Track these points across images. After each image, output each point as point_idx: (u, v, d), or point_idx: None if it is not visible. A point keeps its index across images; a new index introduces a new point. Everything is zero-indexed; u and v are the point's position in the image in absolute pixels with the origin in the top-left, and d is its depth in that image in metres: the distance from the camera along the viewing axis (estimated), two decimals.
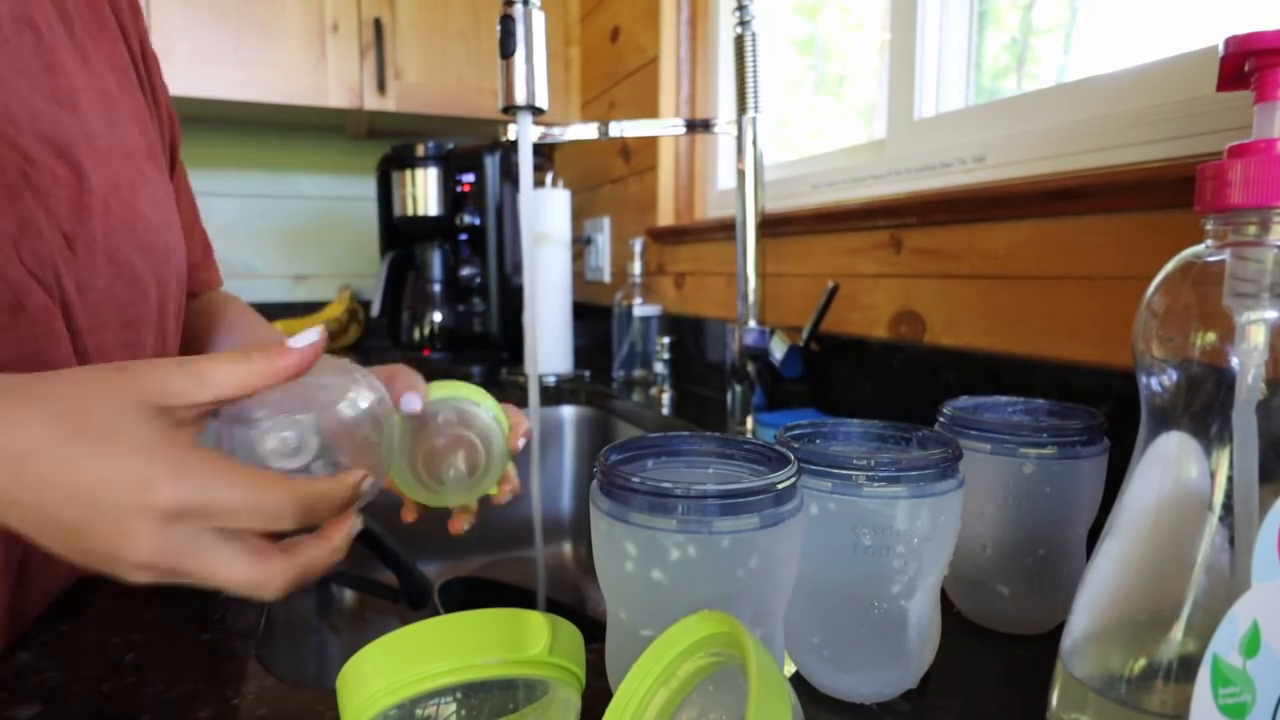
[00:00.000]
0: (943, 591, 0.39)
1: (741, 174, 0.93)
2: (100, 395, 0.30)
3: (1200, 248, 0.28)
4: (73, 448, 0.29)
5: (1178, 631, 0.26)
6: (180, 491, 0.29)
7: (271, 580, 0.31)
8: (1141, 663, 0.28)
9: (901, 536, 0.33)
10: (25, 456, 0.29)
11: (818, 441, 0.40)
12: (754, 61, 0.91)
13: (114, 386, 0.31)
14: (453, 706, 0.30)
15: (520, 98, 0.77)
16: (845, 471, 0.34)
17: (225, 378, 0.32)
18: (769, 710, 0.23)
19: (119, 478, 0.29)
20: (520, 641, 0.28)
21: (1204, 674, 0.24)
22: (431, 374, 0.59)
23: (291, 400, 0.34)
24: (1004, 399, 0.47)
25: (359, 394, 0.36)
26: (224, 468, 0.30)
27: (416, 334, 1.60)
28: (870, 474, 0.33)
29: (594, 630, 0.36)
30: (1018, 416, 0.46)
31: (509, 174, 1.47)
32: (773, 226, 0.99)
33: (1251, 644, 0.24)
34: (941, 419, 0.45)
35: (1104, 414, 0.43)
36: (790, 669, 0.38)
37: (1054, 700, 0.31)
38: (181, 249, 0.59)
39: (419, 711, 0.29)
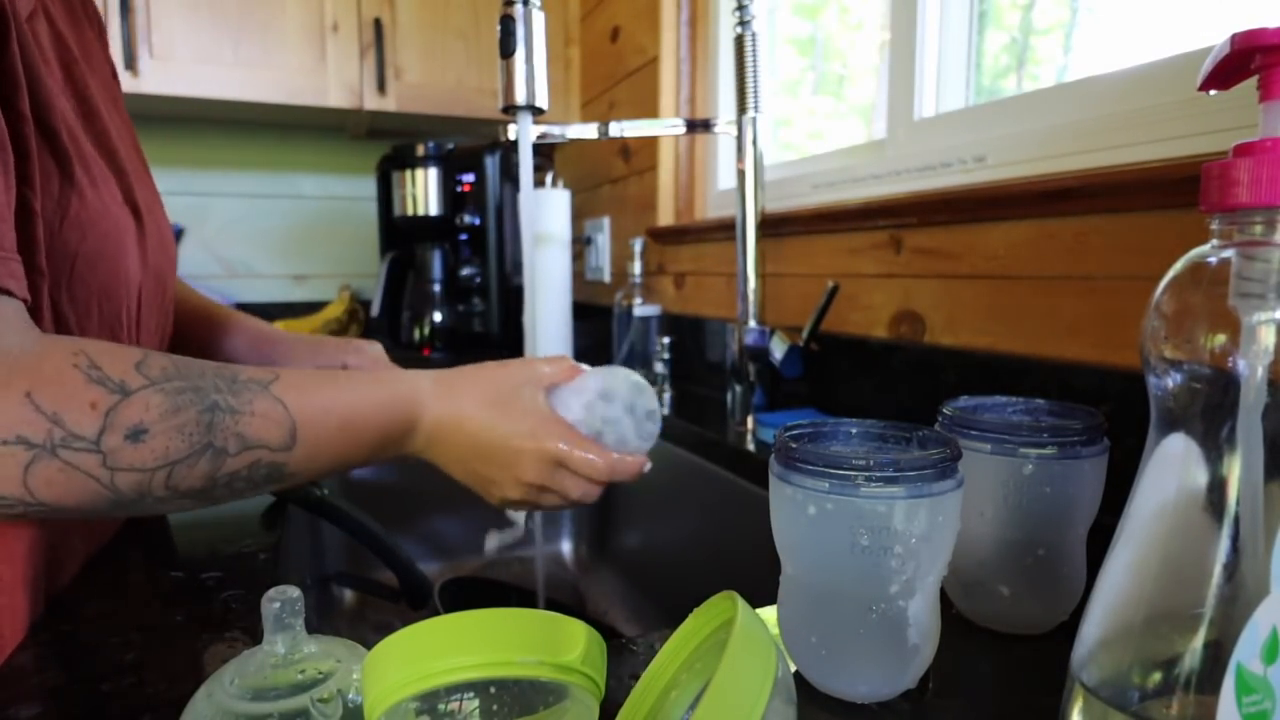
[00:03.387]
0: (943, 591, 0.39)
1: (741, 174, 0.93)
2: (504, 378, 0.52)
3: (1205, 248, 0.28)
4: (492, 413, 0.50)
5: (1197, 640, 0.26)
6: (561, 443, 0.50)
7: (591, 495, 0.52)
8: (1158, 674, 0.27)
9: (899, 537, 0.33)
10: (465, 418, 0.50)
11: (818, 441, 0.40)
12: (754, 61, 0.91)
13: (509, 374, 0.53)
14: (475, 703, 0.30)
15: (520, 98, 0.78)
16: (843, 471, 0.33)
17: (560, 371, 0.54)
18: (744, 667, 0.23)
19: (521, 430, 0.50)
20: (555, 645, 0.28)
21: (1228, 683, 0.24)
22: None
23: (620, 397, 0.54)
24: (1004, 399, 0.47)
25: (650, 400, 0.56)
26: (581, 439, 0.52)
27: (416, 334, 1.60)
28: (868, 474, 0.33)
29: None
30: (1018, 416, 0.46)
31: (509, 174, 1.47)
32: (773, 226, 0.99)
33: (1271, 650, 0.23)
34: (941, 419, 0.45)
35: (1104, 414, 0.43)
36: (790, 668, 0.38)
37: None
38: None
39: (441, 705, 0.29)
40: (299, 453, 0.44)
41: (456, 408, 0.50)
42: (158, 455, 0.39)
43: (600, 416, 0.53)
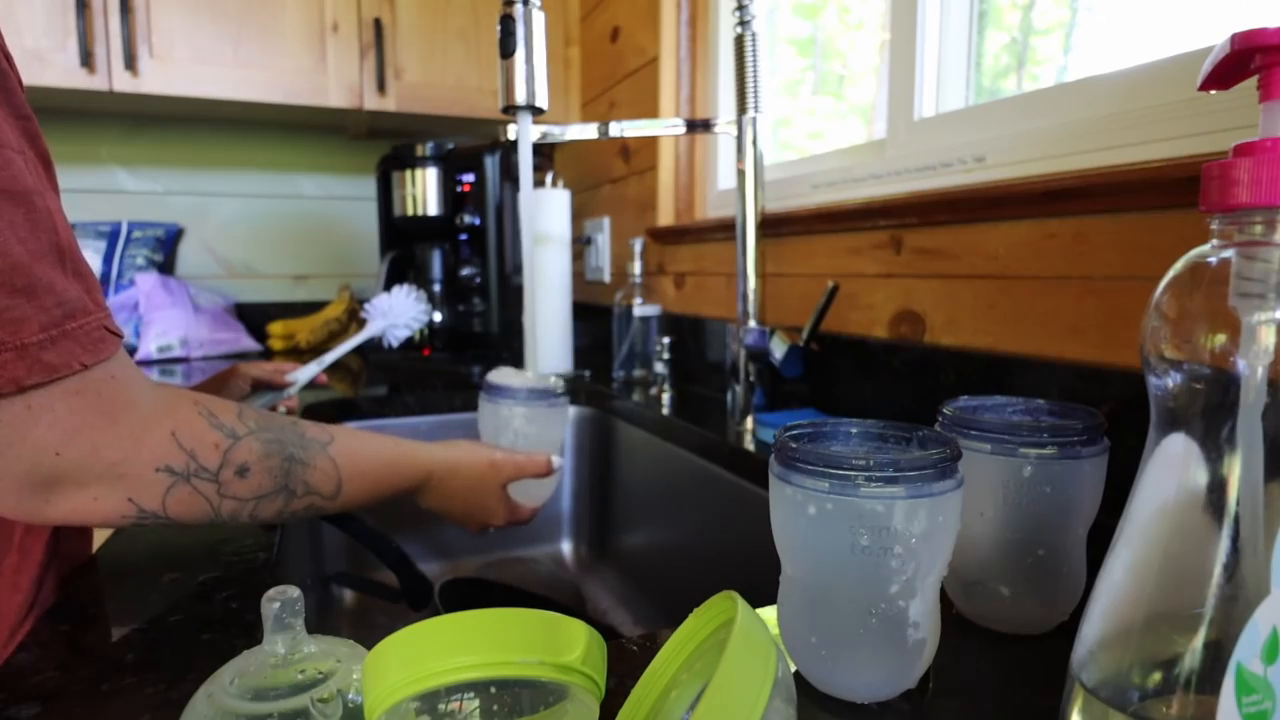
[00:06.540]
0: (943, 591, 0.39)
1: (741, 174, 0.93)
2: (480, 466, 0.71)
3: (1205, 248, 0.28)
4: (474, 482, 0.71)
5: (1197, 640, 0.26)
6: (507, 517, 0.75)
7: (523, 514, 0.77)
8: (1158, 674, 0.27)
9: (899, 537, 0.33)
10: (460, 464, 0.70)
11: (818, 441, 0.40)
12: (754, 61, 0.91)
13: (488, 464, 0.72)
14: (476, 703, 0.30)
15: (520, 98, 0.78)
16: (843, 472, 0.33)
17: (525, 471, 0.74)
18: (744, 667, 0.23)
19: (489, 507, 0.73)
20: (555, 645, 0.28)
21: (1228, 683, 0.24)
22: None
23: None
24: (1004, 399, 0.47)
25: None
26: (518, 510, 0.76)
27: (416, 334, 1.59)
28: (868, 474, 0.33)
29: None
30: (1018, 416, 0.46)
31: (509, 174, 1.47)
32: (773, 226, 0.99)
33: (1271, 650, 0.23)
34: (941, 419, 0.45)
35: (1104, 414, 0.43)
36: (790, 668, 0.38)
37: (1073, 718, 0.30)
38: None
39: (441, 705, 0.29)
40: (339, 501, 0.57)
41: (454, 457, 0.69)
42: (253, 489, 0.49)
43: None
